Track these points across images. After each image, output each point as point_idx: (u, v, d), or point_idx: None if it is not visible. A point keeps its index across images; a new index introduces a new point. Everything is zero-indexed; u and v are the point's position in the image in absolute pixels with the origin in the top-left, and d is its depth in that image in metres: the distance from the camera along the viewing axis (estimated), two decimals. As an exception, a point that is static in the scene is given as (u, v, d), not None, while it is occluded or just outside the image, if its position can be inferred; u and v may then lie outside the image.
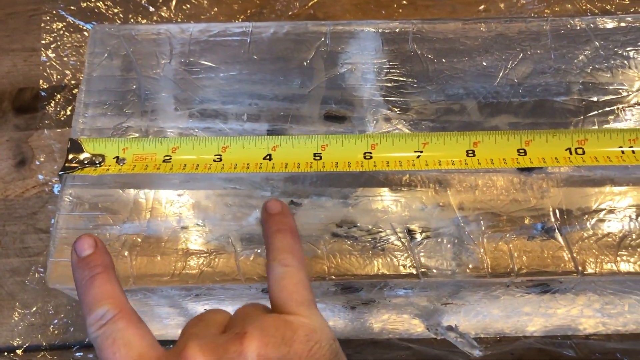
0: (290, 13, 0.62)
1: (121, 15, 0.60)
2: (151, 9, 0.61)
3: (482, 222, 0.37)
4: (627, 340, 0.50)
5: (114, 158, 0.39)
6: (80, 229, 0.37)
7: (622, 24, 0.42)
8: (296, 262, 0.30)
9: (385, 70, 0.43)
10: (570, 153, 0.38)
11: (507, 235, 0.36)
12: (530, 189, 0.39)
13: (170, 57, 0.43)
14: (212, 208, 0.39)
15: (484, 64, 0.42)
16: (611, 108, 0.40)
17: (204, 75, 0.43)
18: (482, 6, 0.59)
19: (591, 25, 0.42)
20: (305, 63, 0.43)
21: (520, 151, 0.38)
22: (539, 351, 0.51)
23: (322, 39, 0.43)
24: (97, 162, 0.38)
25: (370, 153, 0.38)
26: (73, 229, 0.37)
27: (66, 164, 0.39)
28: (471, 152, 0.38)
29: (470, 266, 0.36)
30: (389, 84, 0.42)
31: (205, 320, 0.29)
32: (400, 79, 0.42)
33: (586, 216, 0.37)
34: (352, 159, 0.38)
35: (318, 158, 0.38)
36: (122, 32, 0.44)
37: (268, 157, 0.38)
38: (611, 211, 0.37)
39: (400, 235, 0.37)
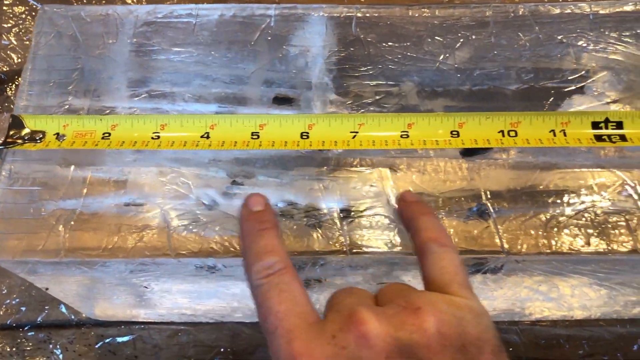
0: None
1: (84, 0, 0.61)
2: (115, -6, 0.62)
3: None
4: (573, 326, 0.51)
5: (54, 134, 0.39)
6: (17, 203, 0.38)
7: (567, 11, 0.43)
8: (450, 242, 0.30)
9: (331, 54, 0.43)
10: (503, 135, 0.38)
11: (438, 216, 0.37)
12: (477, 174, 0.39)
13: (117, 37, 0.43)
14: (152, 186, 0.39)
15: (426, 48, 0.42)
16: (549, 93, 0.41)
17: (151, 57, 0.43)
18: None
19: (534, 12, 0.43)
20: (249, 45, 0.43)
21: (453, 133, 0.38)
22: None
23: (268, 22, 0.44)
24: (37, 138, 0.39)
25: (307, 133, 0.39)
26: (11, 203, 0.38)
27: (7, 139, 0.39)
28: (405, 133, 0.38)
29: (399, 244, 0.36)
30: (334, 67, 0.43)
31: (356, 293, 0.28)
32: (344, 62, 0.43)
33: (517, 198, 0.38)
34: (288, 138, 0.38)
35: (255, 137, 0.39)
36: (70, 13, 0.44)
37: (206, 136, 0.39)
38: (543, 194, 0.38)
39: (333, 214, 0.37)
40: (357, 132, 0.39)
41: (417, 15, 0.43)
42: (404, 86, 0.41)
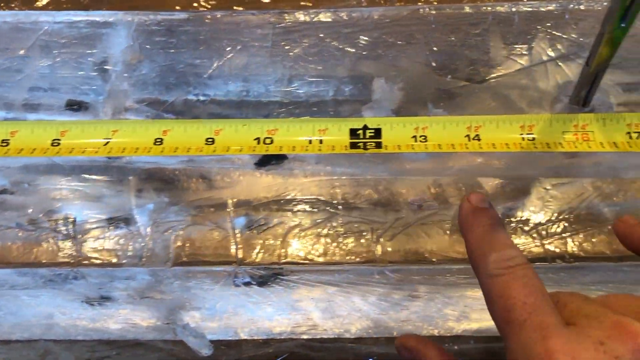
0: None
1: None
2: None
3: (153, 211, 0.36)
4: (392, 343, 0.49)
5: None
6: None
7: (344, 17, 0.42)
8: None
9: (127, 61, 0.42)
10: (259, 143, 0.37)
11: (172, 224, 0.36)
12: (283, 183, 0.38)
13: None
14: None
15: (202, 55, 0.41)
16: (316, 100, 0.40)
17: None
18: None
19: (314, 18, 0.42)
20: (22, 52, 0.42)
21: (209, 140, 0.37)
22: (305, 356, 0.49)
23: (46, 29, 0.43)
24: None
25: (59, 140, 0.37)
26: None
27: None
28: (159, 140, 0.37)
29: (131, 254, 0.35)
30: (127, 74, 0.42)
31: (593, 300, 0.27)
32: (132, 70, 0.42)
33: (264, 207, 0.36)
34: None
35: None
36: None
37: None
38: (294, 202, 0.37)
39: (66, 223, 0.36)
40: (110, 139, 0.37)
41: (199, 20, 0.42)
42: (177, 93, 0.40)
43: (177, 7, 0.50)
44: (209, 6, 0.56)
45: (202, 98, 0.40)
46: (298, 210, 0.36)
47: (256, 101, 0.40)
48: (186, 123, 0.37)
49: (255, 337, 0.50)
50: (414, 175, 0.39)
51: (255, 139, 0.37)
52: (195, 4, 0.57)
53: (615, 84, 0.39)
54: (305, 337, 0.50)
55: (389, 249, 0.35)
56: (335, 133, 0.37)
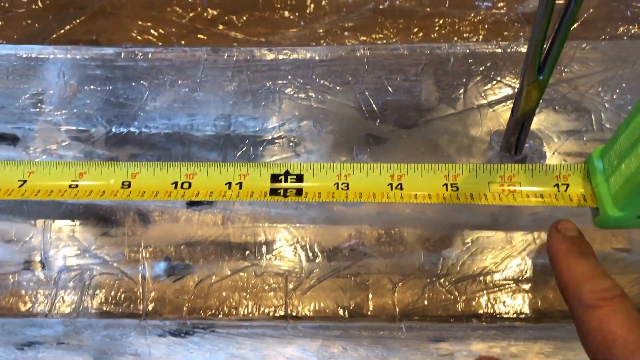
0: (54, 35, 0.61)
1: None
2: None
3: (69, 255, 0.35)
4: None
5: None
6: None
7: (280, 57, 0.41)
8: None
9: (57, 95, 0.41)
10: (175, 187, 0.36)
11: (84, 271, 0.34)
12: (201, 225, 0.37)
13: None
14: None
15: (135, 91, 0.40)
16: (243, 142, 0.39)
17: None
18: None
19: (247, 56, 0.41)
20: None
21: (125, 183, 0.36)
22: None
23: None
24: None
25: (25, 180, 0.36)
26: None
27: None
28: (75, 183, 0.36)
29: (40, 302, 0.34)
30: (56, 110, 0.41)
31: None
32: (66, 105, 0.41)
33: (182, 253, 0.35)
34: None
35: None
36: None
37: None
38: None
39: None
40: (25, 180, 0.36)
41: (130, 56, 0.41)
42: (97, 131, 0.39)
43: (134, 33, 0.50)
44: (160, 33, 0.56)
45: (125, 136, 0.39)
46: (216, 258, 0.35)
47: (178, 139, 0.39)
48: (102, 165, 0.36)
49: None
50: (348, 222, 0.37)
51: (172, 183, 0.36)
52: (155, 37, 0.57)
53: (552, 131, 0.38)
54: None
55: (302, 304, 0.33)
56: (256, 178, 0.36)
